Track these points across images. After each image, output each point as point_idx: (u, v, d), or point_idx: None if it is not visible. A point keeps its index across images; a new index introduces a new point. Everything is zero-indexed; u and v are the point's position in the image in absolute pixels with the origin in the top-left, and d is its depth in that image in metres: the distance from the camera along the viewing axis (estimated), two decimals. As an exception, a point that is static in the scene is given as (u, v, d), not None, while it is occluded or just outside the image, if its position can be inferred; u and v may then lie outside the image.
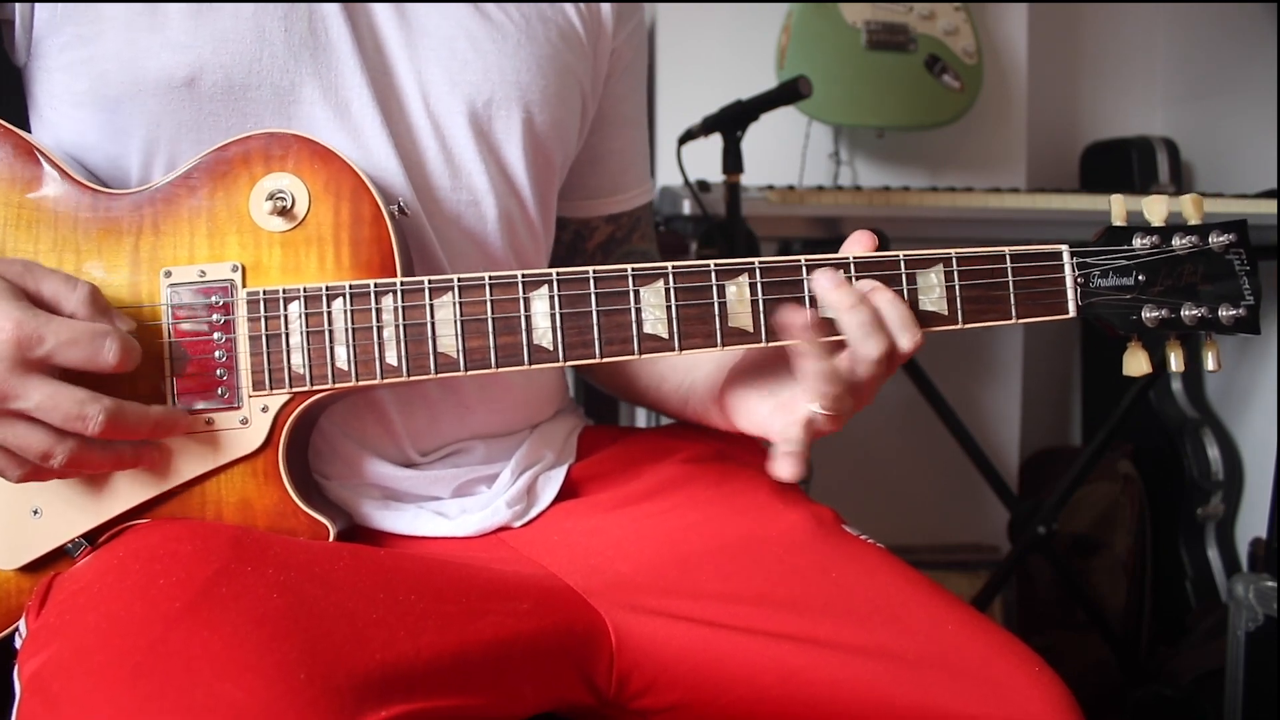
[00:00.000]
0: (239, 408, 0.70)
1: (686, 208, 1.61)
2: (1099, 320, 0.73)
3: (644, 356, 0.71)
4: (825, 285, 0.70)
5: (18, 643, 0.69)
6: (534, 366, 0.71)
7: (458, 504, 0.82)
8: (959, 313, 0.72)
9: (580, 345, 0.71)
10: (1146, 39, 2.48)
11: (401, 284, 0.70)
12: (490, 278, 0.70)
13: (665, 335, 0.71)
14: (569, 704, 0.73)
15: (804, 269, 0.71)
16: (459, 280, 0.70)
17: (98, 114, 0.74)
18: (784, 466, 0.73)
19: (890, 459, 2.14)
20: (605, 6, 0.90)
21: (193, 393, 0.70)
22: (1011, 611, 2.07)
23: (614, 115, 0.96)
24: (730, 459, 0.88)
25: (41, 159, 0.71)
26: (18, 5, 0.73)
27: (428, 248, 0.79)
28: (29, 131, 0.75)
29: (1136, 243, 0.72)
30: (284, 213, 0.71)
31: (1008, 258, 0.72)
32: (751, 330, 0.72)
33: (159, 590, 0.60)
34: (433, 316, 0.70)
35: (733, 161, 1.52)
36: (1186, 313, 0.71)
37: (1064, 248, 0.72)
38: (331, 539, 0.72)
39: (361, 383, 0.70)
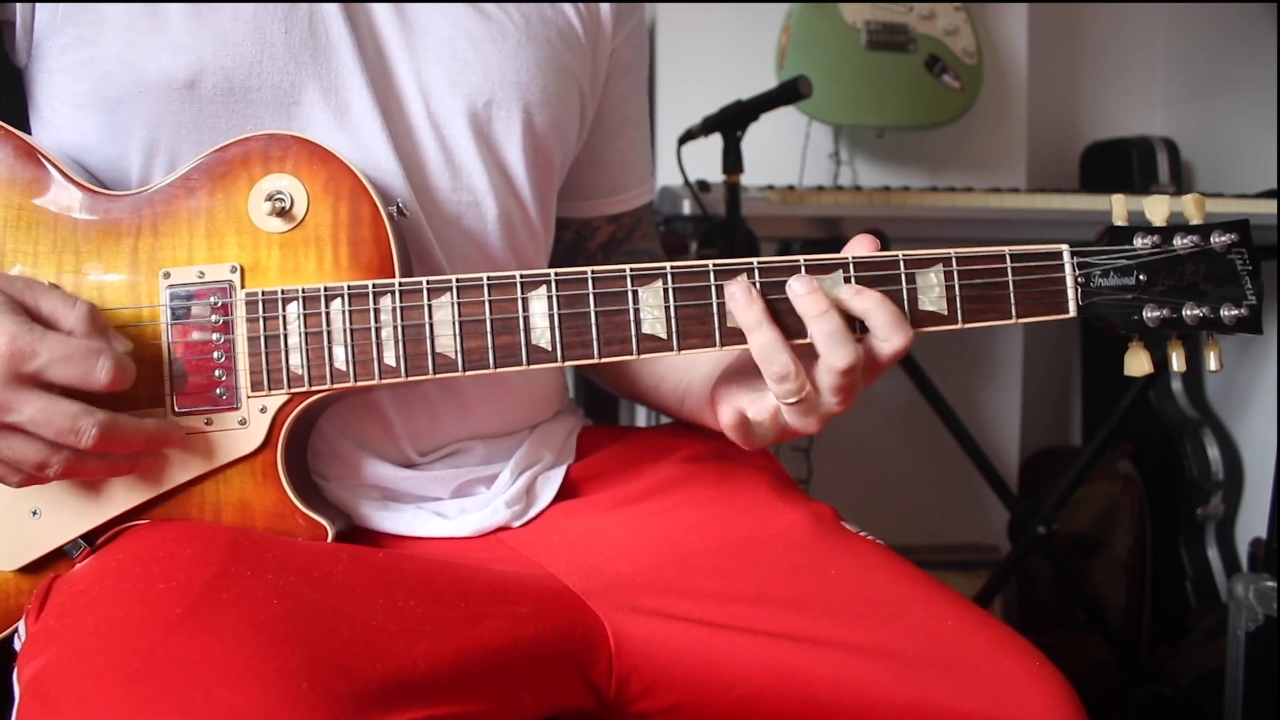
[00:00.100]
0: (238, 408, 0.70)
1: (686, 208, 1.61)
2: (1100, 320, 0.72)
3: (643, 357, 0.71)
4: (798, 291, 0.69)
5: (17, 645, 0.69)
6: (532, 367, 0.70)
7: (457, 504, 0.82)
8: (959, 312, 0.72)
9: (579, 345, 0.70)
10: (1146, 39, 2.48)
11: (400, 285, 0.70)
12: (488, 278, 0.70)
13: (664, 335, 0.71)
14: (569, 708, 0.72)
15: (803, 269, 0.71)
16: (457, 281, 0.70)
17: (98, 115, 0.73)
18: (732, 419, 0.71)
19: (890, 459, 2.14)
20: (604, 7, 0.90)
21: (191, 393, 0.70)
22: (1011, 611, 2.07)
23: (614, 115, 0.95)
24: (729, 458, 0.87)
25: (42, 161, 0.71)
26: (18, 6, 0.73)
27: (427, 248, 0.79)
28: (29, 133, 0.75)
29: (1138, 242, 0.72)
30: (283, 214, 0.71)
31: (1008, 257, 0.72)
32: (751, 331, 0.71)
33: (158, 594, 0.60)
34: (431, 317, 0.70)
35: (733, 161, 1.52)
36: (1188, 312, 0.71)
37: (1064, 247, 0.72)
38: (330, 539, 0.72)
39: (360, 383, 0.70)
